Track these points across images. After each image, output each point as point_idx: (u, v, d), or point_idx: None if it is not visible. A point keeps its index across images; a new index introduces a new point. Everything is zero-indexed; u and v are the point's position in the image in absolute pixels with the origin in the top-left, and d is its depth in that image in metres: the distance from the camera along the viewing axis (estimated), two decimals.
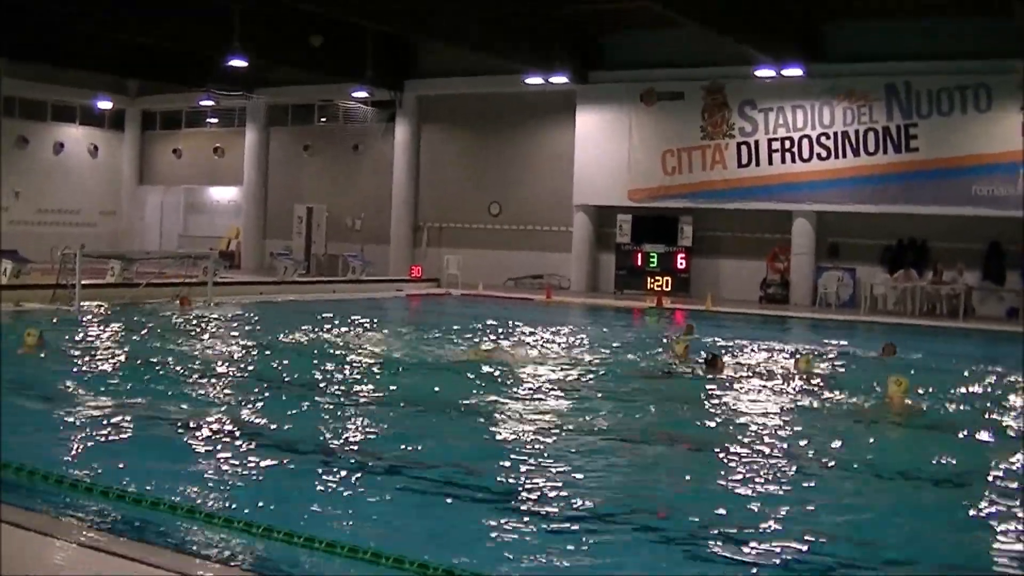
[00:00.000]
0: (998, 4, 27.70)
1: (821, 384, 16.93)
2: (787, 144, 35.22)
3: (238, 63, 36.99)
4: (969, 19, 31.99)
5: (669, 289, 36.33)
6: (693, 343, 20.65)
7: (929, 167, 33.18)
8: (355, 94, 42.51)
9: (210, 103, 47.12)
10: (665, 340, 22.12)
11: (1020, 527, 9.04)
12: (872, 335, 27.25)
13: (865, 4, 33.37)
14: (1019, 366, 19.68)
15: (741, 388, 16.32)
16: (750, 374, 17.89)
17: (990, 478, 10.81)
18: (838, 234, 35.46)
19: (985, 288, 33.18)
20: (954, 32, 32.40)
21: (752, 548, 8.08)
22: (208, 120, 49.20)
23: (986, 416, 14.55)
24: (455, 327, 23.99)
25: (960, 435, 13.20)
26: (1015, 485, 10.56)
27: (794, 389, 16.39)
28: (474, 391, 14.95)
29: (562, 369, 17.71)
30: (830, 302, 34.63)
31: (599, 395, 15.29)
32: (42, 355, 16.96)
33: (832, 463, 11.42)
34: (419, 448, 11.16)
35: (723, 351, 19.42)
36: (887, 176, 33.76)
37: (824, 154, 34.67)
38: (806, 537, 8.39)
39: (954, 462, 11.54)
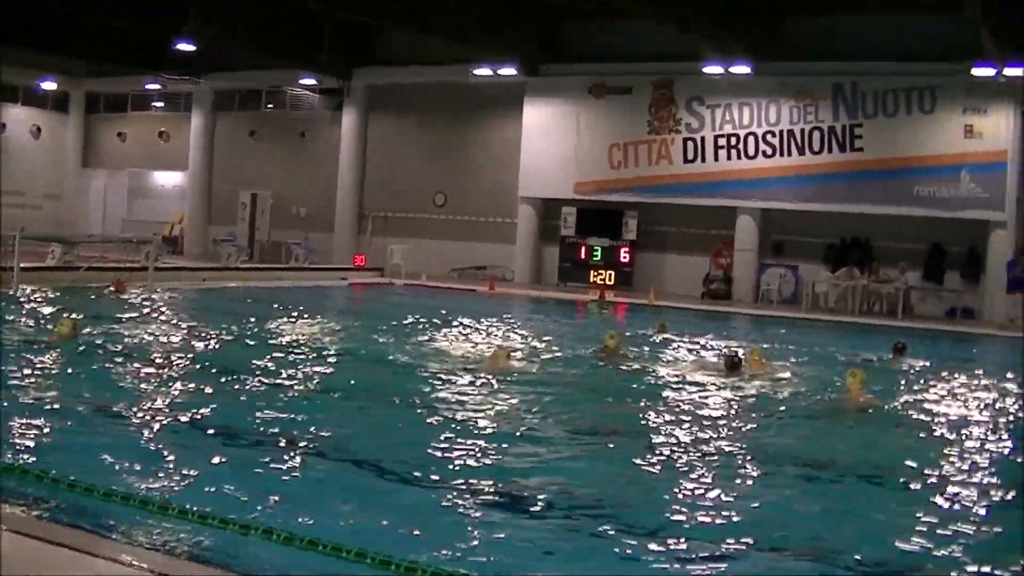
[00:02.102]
0: (947, 5, 27.29)
1: (774, 378, 16.45)
2: (733, 141, 34.80)
3: (187, 47, 36.15)
4: (916, 22, 31.89)
5: (612, 283, 35.83)
6: (628, 339, 20.08)
7: (873, 167, 32.96)
8: (303, 81, 41.70)
9: (157, 86, 45.97)
10: (625, 332, 21.55)
11: (959, 523, 8.62)
12: (814, 332, 26.72)
13: (814, 3, 33.06)
14: (959, 365, 19.65)
15: (688, 382, 15.61)
16: (699, 368, 17.28)
17: (932, 472, 10.46)
18: (782, 231, 35.08)
19: (926, 288, 32.99)
20: (901, 34, 32.33)
21: (688, 544, 7.76)
22: (154, 104, 47.94)
23: (929, 412, 14.26)
24: (397, 317, 23.25)
25: (905, 430, 12.97)
26: (956, 479, 10.26)
27: (747, 384, 15.77)
28: (415, 382, 14.35)
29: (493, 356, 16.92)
30: (772, 299, 34.33)
31: (538, 386, 14.56)
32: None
33: (780, 458, 10.99)
34: (356, 437, 10.91)
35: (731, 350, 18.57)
36: (831, 175, 33.47)
37: (770, 152, 34.30)
38: (741, 533, 8.00)
39: (899, 457, 11.18)
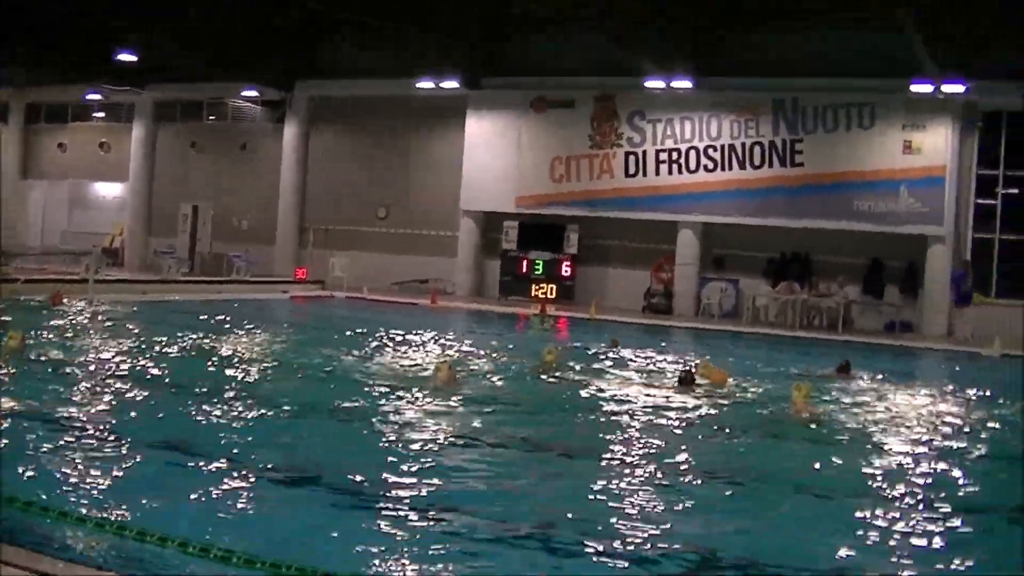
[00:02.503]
0: (886, 23, 27.25)
1: (725, 392, 16.24)
2: (675, 155, 34.56)
3: (128, 57, 35.59)
4: (856, 39, 31.87)
5: (554, 296, 35.43)
6: (576, 353, 19.91)
7: (813, 182, 32.90)
8: (245, 93, 41.15)
9: (97, 97, 45.21)
10: (573, 346, 21.51)
11: (898, 535, 8.62)
12: (761, 346, 26.77)
13: (755, 20, 32.90)
14: (900, 378, 19.61)
15: (635, 396, 15.37)
16: (643, 382, 17.04)
17: (873, 485, 10.45)
18: (722, 245, 34.86)
19: (865, 302, 32.87)
20: (841, 51, 32.33)
21: (626, 558, 7.61)
22: (95, 114, 47.21)
23: (871, 425, 14.15)
24: (339, 330, 23.11)
25: (848, 443, 12.79)
26: (898, 492, 10.17)
27: (697, 398, 15.56)
28: (357, 396, 14.00)
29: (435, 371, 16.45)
30: (713, 313, 33.99)
31: (481, 402, 14.24)
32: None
33: (723, 471, 10.87)
34: (297, 450, 10.63)
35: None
36: (772, 189, 33.33)
37: (711, 166, 34.10)
38: (677, 546, 7.93)
39: (841, 470, 11.22)
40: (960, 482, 11.03)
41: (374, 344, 20.31)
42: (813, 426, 13.76)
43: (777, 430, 13.54)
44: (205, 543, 6.47)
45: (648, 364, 19.81)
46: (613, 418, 13.59)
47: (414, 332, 23.03)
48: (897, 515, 9.17)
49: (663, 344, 24.95)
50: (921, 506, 9.66)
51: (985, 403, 17.21)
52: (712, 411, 14.69)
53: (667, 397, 15.41)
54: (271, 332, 22.21)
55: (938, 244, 31.83)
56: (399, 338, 21.72)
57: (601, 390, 15.99)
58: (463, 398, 14.22)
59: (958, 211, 32.04)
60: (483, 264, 37.94)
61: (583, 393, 15.67)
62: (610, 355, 20.67)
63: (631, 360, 20.18)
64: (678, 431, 12.97)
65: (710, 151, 34.13)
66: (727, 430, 13.31)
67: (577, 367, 18.36)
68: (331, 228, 40.73)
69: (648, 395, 15.59)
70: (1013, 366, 25.12)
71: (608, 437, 12.15)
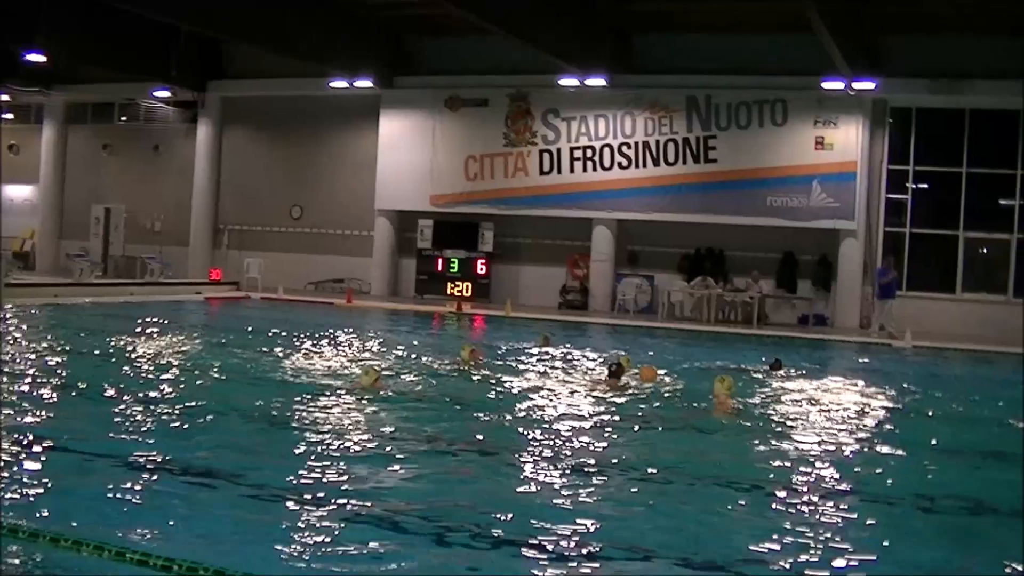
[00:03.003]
0: (797, 22, 27.12)
1: (651, 388, 15.88)
2: (589, 153, 34.18)
3: (37, 58, 34.62)
4: (768, 36, 31.66)
5: (470, 295, 34.91)
6: (490, 351, 19.38)
7: (727, 178, 32.65)
8: (157, 93, 40.14)
9: (6, 98, 43.85)
10: (502, 344, 21.12)
11: (813, 527, 8.42)
12: (670, 340, 26.43)
13: (669, 18, 32.67)
14: (816, 370, 19.54)
15: (557, 393, 15.00)
16: (570, 379, 16.63)
17: (791, 477, 10.24)
18: (637, 242, 34.51)
19: (779, 296, 32.73)
20: (754, 48, 32.14)
21: (546, 553, 7.42)
22: (3, 116, 45.74)
23: (790, 417, 13.95)
24: (255, 331, 22.54)
25: (767, 435, 12.47)
26: (812, 482, 10.07)
27: (619, 393, 15.21)
28: (274, 397, 13.48)
29: (354, 371, 16.20)
30: (628, 308, 33.66)
31: (398, 400, 13.84)
32: None
33: (644, 465, 10.49)
34: (213, 453, 10.16)
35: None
36: (686, 186, 33.05)
37: (625, 163, 33.74)
38: (595, 541, 7.73)
39: (763, 462, 10.93)
40: (876, 471, 10.89)
41: (290, 345, 19.63)
42: (736, 419, 13.53)
43: (701, 424, 13.29)
44: (121, 546, 6.22)
45: (575, 360, 19.35)
46: (537, 414, 13.21)
47: (331, 332, 22.46)
48: (811, 505, 9.06)
49: (590, 340, 24.60)
50: (833, 496, 9.51)
51: (900, 394, 17.07)
52: (639, 406, 14.29)
53: (594, 393, 15.03)
54: (186, 334, 21.38)
55: (850, 238, 31.81)
56: (316, 339, 21.11)
57: (526, 386, 15.54)
58: (383, 398, 13.69)
59: (869, 206, 32.05)
60: (398, 263, 37.28)
61: (508, 390, 15.20)
62: (538, 352, 20.24)
63: (559, 357, 19.73)
64: (602, 426, 12.61)
65: (624, 148, 33.76)
66: (651, 424, 13.04)
67: (502, 364, 17.98)
68: (246, 229, 39.90)
69: (574, 391, 15.21)
70: (924, 357, 25.40)
71: (531, 433, 11.82)
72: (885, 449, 12.14)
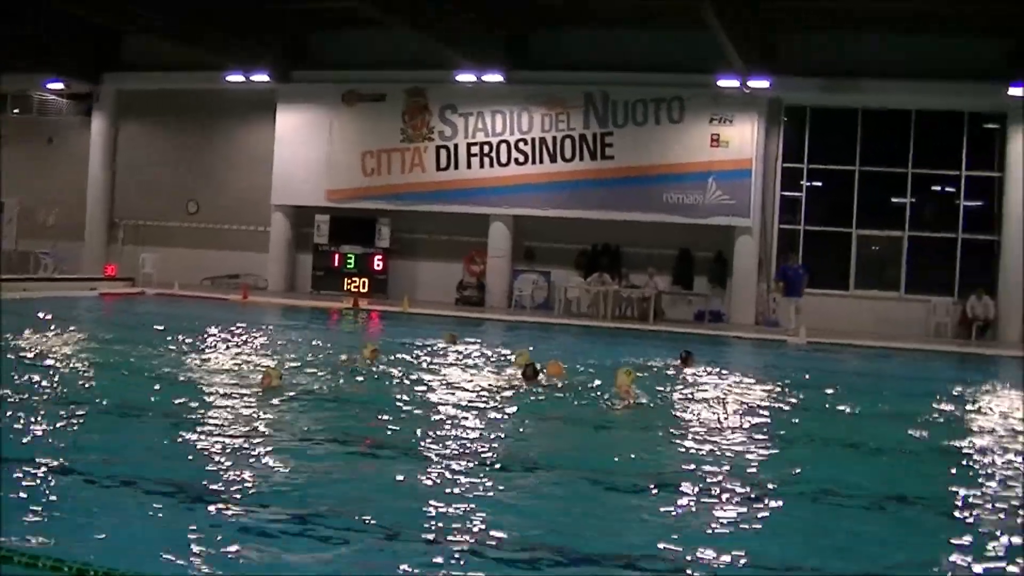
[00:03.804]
0: (693, 19, 26.57)
1: (562, 386, 15.37)
2: (486, 148, 33.30)
3: None
4: (665, 34, 31.18)
5: (366, 290, 33.87)
6: (389, 348, 18.62)
7: (623, 174, 32.01)
8: (50, 85, 38.64)
9: None
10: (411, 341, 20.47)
11: (704, 519, 8.39)
12: (568, 336, 26.05)
13: (566, 13, 31.96)
14: (715, 366, 19.29)
15: (451, 389, 14.60)
16: (465, 376, 16.12)
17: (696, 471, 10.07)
18: (534, 238, 33.74)
19: (675, 292, 32.19)
20: (651, 46, 31.67)
21: (442, 549, 7.29)
22: None
23: (692, 412, 13.75)
24: (150, 328, 21.46)
25: (668, 432, 12.29)
26: (707, 477, 9.85)
27: (511, 387, 14.84)
28: (170, 395, 12.92)
29: (253, 368, 15.61)
30: (525, 304, 32.98)
31: (296, 397, 13.30)
32: None
33: (546, 463, 10.34)
34: (109, 452, 9.66)
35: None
36: (583, 182, 32.36)
37: (522, 159, 32.92)
38: (489, 539, 7.60)
39: (662, 457, 10.89)
40: (769, 465, 10.69)
41: (188, 343, 18.74)
42: (639, 412, 13.40)
43: (604, 419, 13.13)
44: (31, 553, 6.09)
45: (479, 358, 18.81)
46: (439, 411, 12.82)
47: (229, 330, 21.60)
48: (703, 500, 8.96)
49: (489, 337, 24.05)
50: (725, 489, 9.35)
51: (794, 389, 16.83)
52: (545, 402, 14.02)
53: (501, 390, 14.63)
54: (80, 331, 20.34)
55: (745, 235, 31.36)
56: (214, 337, 20.26)
57: (428, 383, 15.13)
58: (285, 397, 13.16)
59: (764, 203, 31.65)
60: (295, 258, 36.08)
61: (409, 387, 14.80)
62: (444, 349, 19.70)
63: (463, 354, 19.21)
64: (506, 422, 12.35)
65: (521, 144, 32.94)
66: (556, 420, 12.92)
67: (404, 361, 17.49)
68: (141, 223, 38.37)
69: (478, 388, 14.77)
70: (820, 353, 25.26)
71: (433, 430, 11.45)
72: (777, 443, 11.99)
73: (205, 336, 20.14)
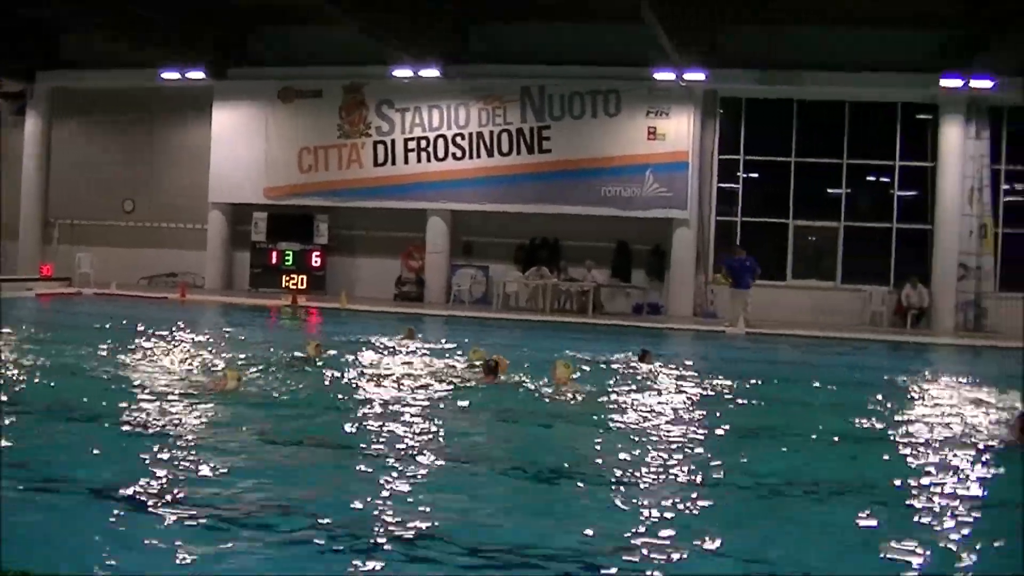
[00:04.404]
0: (629, 12, 26.23)
1: (477, 375, 15.07)
2: (423, 143, 32.73)
3: None
4: (601, 27, 30.82)
5: (305, 287, 33.27)
6: (326, 343, 18.07)
7: (560, 168, 31.59)
8: None
9: None
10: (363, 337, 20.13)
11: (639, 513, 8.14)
12: (505, 331, 25.43)
13: (503, 9, 31.50)
14: (661, 360, 18.62)
15: (397, 385, 14.14)
16: (412, 372, 15.67)
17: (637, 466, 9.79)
18: (472, 233, 33.19)
19: (613, 285, 31.80)
20: (587, 39, 31.28)
21: (384, 545, 7.10)
22: None
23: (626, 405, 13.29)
24: (88, 329, 21.03)
25: (609, 425, 11.95)
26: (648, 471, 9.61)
27: (469, 386, 14.38)
28: (113, 398, 12.28)
29: (193, 368, 15.24)
30: (464, 299, 32.48)
31: (240, 397, 12.81)
32: None
33: (488, 459, 10.12)
34: (50, 457, 9.32)
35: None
36: (520, 176, 31.88)
37: (459, 154, 32.39)
38: (425, 535, 7.39)
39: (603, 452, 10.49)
40: (708, 456, 10.46)
41: (129, 344, 18.05)
42: (581, 405, 13.19)
43: (546, 412, 12.81)
44: None
45: (427, 354, 18.29)
46: (385, 408, 12.36)
47: (169, 329, 20.86)
48: (645, 491, 8.83)
49: (434, 332, 23.42)
50: (668, 481, 9.25)
51: (734, 379, 16.43)
52: (492, 397, 13.56)
53: (451, 385, 14.26)
54: (16, 332, 19.46)
55: (683, 228, 31.01)
56: (154, 336, 19.51)
57: (373, 380, 14.69)
58: (229, 396, 12.63)
59: (701, 195, 31.29)
60: (233, 256, 35.31)
61: (354, 384, 14.33)
62: (395, 345, 19.34)
63: (411, 351, 18.71)
64: (454, 418, 12.03)
65: (458, 139, 32.40)
66: (503, 415, 12.56)
67: (348, 357, 17.00)
68: (77, 223, 37.43)
69: (426, 384, 14.31)
70: (758, 343, 25.25)
71: (379, 426, 11.19)
72: (718, 434, 11.76)
73: (147, 337, 19.39)
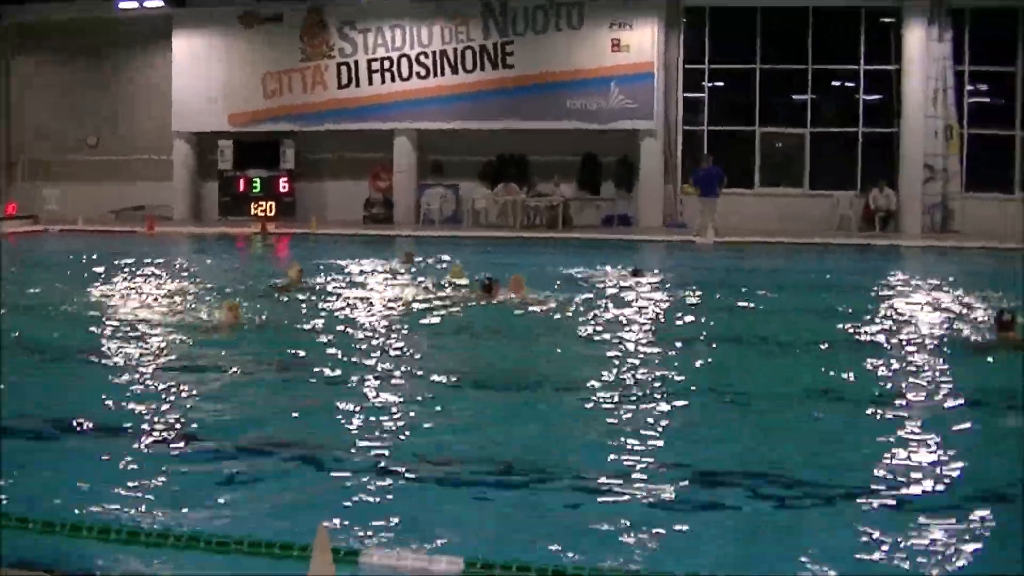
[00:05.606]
0: None
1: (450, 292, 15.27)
2: (387, 64, 31.80)
3: None
4: None
5: (274, 214, 32.27)
6: (305, 268, 17.40)
7: (525, 83, 30.85)
8: None
9: None
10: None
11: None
12: (477, 249, 24.89)
13: None
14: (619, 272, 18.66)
15: (359, 306, 14.36)
16: (396, 294, 15.67)
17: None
18: (439, 151, 32.27)
19: (582, 198, 31.12)
20: None
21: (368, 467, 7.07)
22: None
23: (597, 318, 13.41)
24: (60, 265, 20.53)
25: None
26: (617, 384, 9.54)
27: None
28: (84, 333, 12.28)
29: (168, 301, 15.02)
30: (434, 218, 31.72)
31: (211, 325, 12.75)
32: None
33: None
34: (37, 397, 9.17)
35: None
36: (485, 93, 31.12)
37: (423, 73, 31.53)
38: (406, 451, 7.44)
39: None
40: (677, 366, 10.42)
41: (103, 280, 17.54)
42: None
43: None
44: None
45: (405, 275, 18.09)
46: (376, 330, 12.48)
47: (142, 263, 20.21)
48: (620, 403, 8.74)
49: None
50: (642, 393, 9.11)
51: (705, 288, 16.58)
52: (484, 316, 13.66)
53: (443, 309, 14.14)
54: None
55: (649, 138, 30.34)
56: (127, 272, 18.94)
57: (358, 304, 14.66)
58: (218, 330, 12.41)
59: (667, 105, 30.58)
60: (200, 186, 34.29)
61: (350, 309, 14.22)
62: (399, 268, 19.16)
63: (390, 271, 18.73)
64: (435, 340, 12.09)
65: (422, 58, 31.50)
66: (501, 333, 12.74)
67: (331, 283, 16.92)
68: (41, 159, 36.43)
69: (414, 305, 14.38)
70: (728, 252, 25.10)
71: (368, 349, 11.25)
72: (684, 345, 11.63)
73: (119, 271, 18.94)
